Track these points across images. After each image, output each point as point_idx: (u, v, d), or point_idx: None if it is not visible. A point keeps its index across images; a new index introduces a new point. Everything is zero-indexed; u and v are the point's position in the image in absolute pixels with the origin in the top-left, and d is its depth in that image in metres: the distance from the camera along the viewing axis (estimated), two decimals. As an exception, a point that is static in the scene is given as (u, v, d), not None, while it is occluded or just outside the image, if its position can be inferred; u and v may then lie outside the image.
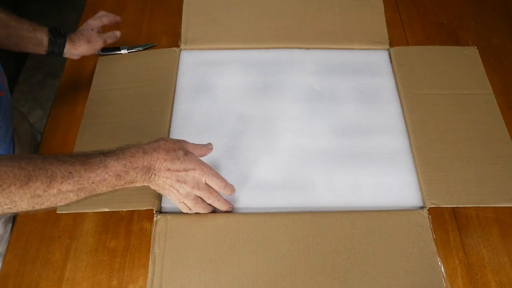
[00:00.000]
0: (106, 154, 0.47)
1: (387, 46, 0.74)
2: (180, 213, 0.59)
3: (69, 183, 0.43)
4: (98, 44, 0.72)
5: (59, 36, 0.68)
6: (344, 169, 0.63)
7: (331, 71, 0.74)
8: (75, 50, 0.70)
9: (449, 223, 0.65)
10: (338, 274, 0.53)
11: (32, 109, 1.70)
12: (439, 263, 0.54)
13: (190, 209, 0.56)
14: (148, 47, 0.83)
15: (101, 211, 0.61)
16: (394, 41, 0.83)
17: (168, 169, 0.49)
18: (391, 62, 0.73)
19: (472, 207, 0.66)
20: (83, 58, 0.74)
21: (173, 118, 0.69)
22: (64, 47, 0.69)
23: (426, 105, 0.67)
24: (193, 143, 0.55)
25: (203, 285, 0.53)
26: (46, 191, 0.42)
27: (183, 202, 0.54)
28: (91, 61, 0.75)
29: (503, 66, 0.82)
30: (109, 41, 0.74)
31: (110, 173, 0.46)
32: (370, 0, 0.79)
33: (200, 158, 0.54)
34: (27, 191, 0.41)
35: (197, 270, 0.54)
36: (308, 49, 0.75)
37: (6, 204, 0.40)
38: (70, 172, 0.43)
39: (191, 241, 0.55)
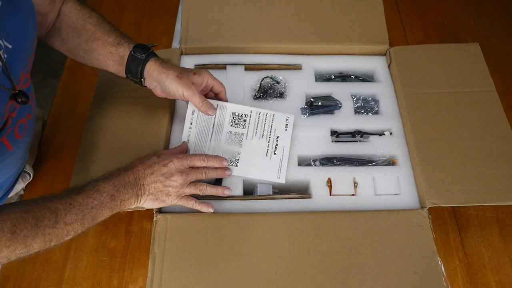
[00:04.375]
0: (96, 179, 0.50)
1: (387, 46, 0.74)
2: (180, 213, 0.59)
3: (72, 213, 0.46)
4: (186, 92, 0.56)
5: (139, 53, 0.54)
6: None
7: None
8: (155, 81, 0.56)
9: (449, 223, 0.65)
10: (338, 274, 0.53)
11: (32, 109, 1.70)
12: (439, 263, 0.54)
13: (195, 202, 0.56)
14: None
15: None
16: (394, 41, 0.83)
17: (151, 173, 0.52)
18: (389, 65, 0.73)
19: (472, 207, 0.66)
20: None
21: (174, 118, 0.69)
22: (142, 70, 0.55)
23: (426, 104, 0.67)
24: (165, 150, 0.59)
25: (203, 285, 0.53)
26: (54, 227, 0.44)
27: (184, 195, 0.55)
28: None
29: (503, 66, 0.82)
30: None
31: (104, 195, 0.48)
32: (370, 0, 0.78)
33: None
34: (38, 231, 0.43)
35: (197, 270, 0.54)
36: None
37: (22, 249, 0.42)
38: (70, 203, 0.46)
39: (191, 241, 0.55)
